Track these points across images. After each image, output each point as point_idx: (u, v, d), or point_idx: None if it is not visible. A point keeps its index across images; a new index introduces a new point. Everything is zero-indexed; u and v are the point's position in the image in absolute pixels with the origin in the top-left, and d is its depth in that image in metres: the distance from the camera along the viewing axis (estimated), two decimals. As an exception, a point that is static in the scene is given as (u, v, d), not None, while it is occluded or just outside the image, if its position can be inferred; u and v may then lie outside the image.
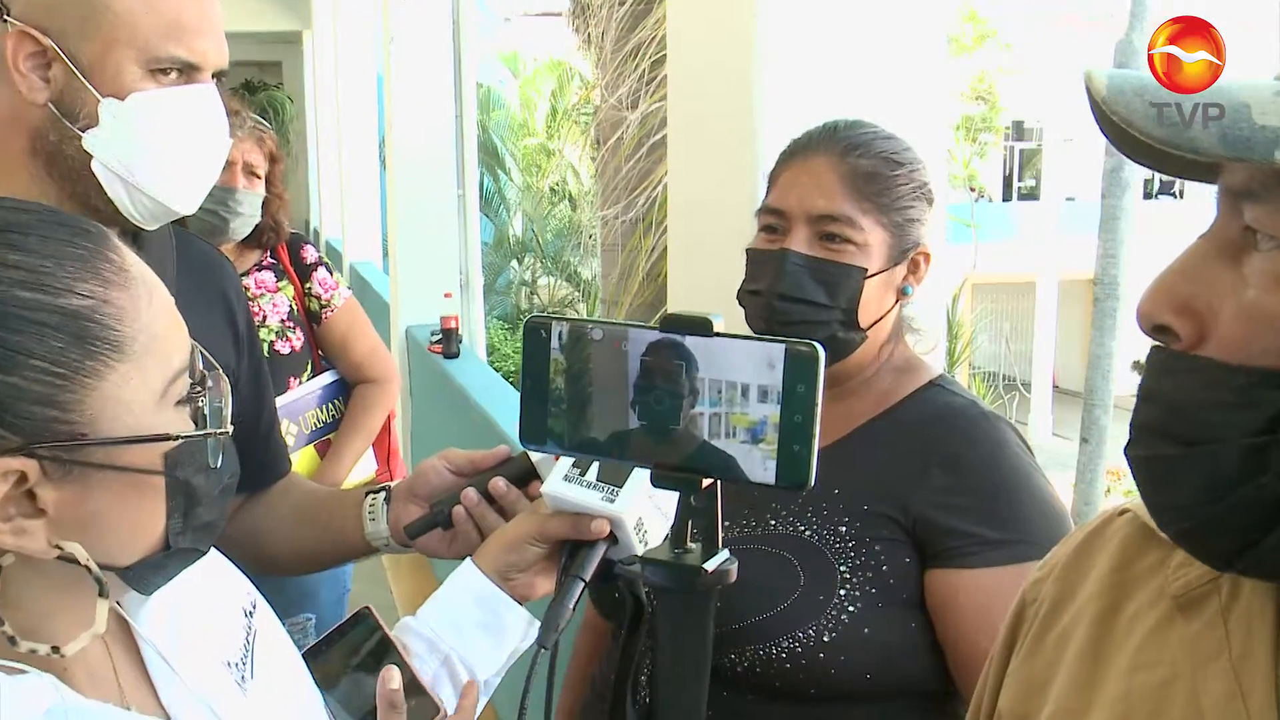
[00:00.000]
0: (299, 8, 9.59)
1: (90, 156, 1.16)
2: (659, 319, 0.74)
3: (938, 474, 1.24)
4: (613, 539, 1.09)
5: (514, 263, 14.51)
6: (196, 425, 0.77)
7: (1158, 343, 0.65)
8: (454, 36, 5.12)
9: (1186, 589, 0.71)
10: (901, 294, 1.31)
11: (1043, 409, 18.30)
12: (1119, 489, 13.34)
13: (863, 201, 1.25)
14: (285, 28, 10.21)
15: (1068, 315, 18.89)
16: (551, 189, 14.71)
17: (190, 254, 1.39)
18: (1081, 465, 7.39)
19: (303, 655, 1.06)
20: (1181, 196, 18.72)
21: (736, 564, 0.78)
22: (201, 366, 0.80)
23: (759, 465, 0.72)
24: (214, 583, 0.93)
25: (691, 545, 0.78)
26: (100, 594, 0.73)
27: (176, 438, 0.74)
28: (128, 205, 1.19)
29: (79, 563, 0.71)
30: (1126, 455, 0.66)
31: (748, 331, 1.36)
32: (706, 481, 0.75)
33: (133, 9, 1.15)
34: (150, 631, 0.84)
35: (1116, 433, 7.67)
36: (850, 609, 1.21)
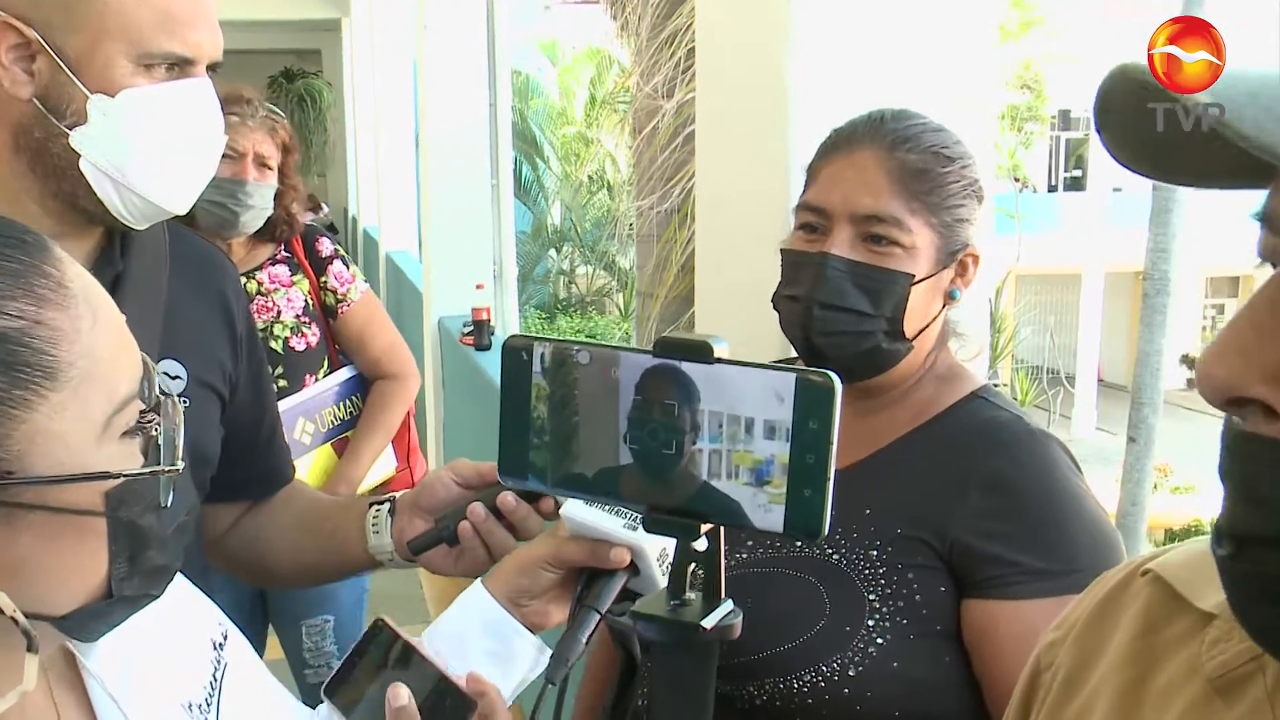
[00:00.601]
0: (337, -5, 9.59)
1: (78, 155, 1.11)
2: (654, 343, 0.65)
3: (978, 496, 1.15)
4: (633, 569, 1.02)
5: (552, 252, 14.49)
6: (147, 458, 0.69)
7: (1234, 417, 0.51)
8: (488, 24, 5.05)
9: (1224, 670, 0.61)
10: (949, 298, 1.22)
11: (1087, 403, 18.05)
12: (1166, 486, 13.16)
13: (911, 201, 1.16)
14: (324, 15, 10.24)
15: (1113, 308, 18.60)
16: (590, 178, 14.67)
17: (185, 252, 1.32)
18: (1129, 465, 7.23)
19: (327, 686, 1.00)
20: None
21: (740, 617, 0.69)
22: (158, 391, 0.72)
23: (764, 510, 0.63)
24: (178, 614, 0.86)
25: (690, 595, 0.69)
26: (29, 649, 0.65)
27: (118, 475, 0.66)
28: (117, 205, 1.13)
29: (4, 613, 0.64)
30: (1219, 561, 0.53)
31: (765, 347, 1.29)
32: (706, 527, 0.66)
33: None
34: (100, 668, 0.77)
35: (1165, 429, 7.51)
36: (879, 640, 1.13)
